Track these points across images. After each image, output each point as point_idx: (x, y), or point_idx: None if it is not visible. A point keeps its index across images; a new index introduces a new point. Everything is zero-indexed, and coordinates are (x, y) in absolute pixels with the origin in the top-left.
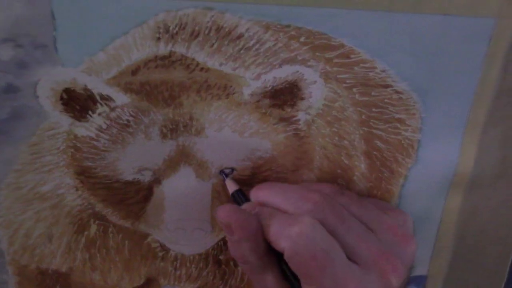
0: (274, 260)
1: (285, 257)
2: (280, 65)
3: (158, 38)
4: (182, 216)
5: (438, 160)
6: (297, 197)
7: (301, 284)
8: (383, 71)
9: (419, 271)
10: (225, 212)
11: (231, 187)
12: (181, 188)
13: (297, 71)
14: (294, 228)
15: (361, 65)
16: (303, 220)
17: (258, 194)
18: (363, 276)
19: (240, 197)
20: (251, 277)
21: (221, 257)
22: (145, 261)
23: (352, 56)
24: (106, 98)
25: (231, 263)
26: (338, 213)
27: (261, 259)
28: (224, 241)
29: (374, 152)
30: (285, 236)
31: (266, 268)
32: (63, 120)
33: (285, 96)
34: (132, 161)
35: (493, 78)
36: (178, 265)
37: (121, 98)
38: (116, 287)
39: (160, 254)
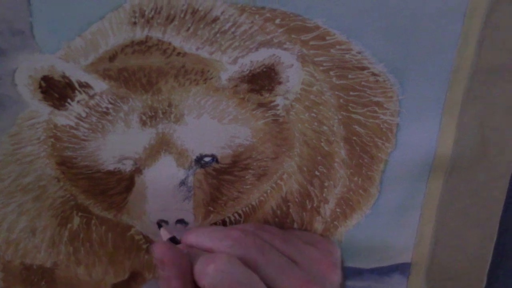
0: None
1: None
2: (257, 49)
3: (134, 23)
4: (164, 207)
5: (417, 143)
6: (219, 235)
7: None
8: (359, 52)
9: (403, 258)
10: (160, 248)
11: (165, 235)
12: (162, 177)
13: (274, 55)
14: (211, 266)
15: (337, 47)
16: (219, 257)
17: (188, 237)
18: None
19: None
20: None
21: None
22: (129, 254)
23: (327, 37)
24: (85, 85)
25: None
26: (258, 247)
27: None
28: None
29: (354, 138)
30: (204, 274)
31: None
32: (43, 109)
33: (262, 80)
34: (112, 150)
35: (468, 56)
36: None
37: (99, 85)
38: (101, 281)
39: (144, 246)
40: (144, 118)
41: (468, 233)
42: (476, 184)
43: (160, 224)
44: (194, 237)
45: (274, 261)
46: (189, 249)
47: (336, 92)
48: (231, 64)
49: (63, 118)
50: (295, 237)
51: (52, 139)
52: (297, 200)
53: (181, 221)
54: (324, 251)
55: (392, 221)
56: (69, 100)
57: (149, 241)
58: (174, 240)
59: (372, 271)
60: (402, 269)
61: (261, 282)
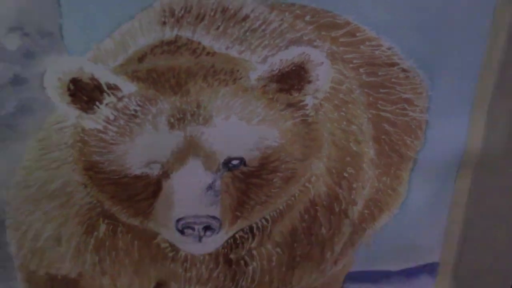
0: None
1: None
2: (287, 47)
3: (164, 22)
4: (191, 213)
5: (446, 140)
6: None
7: None
8: (389, 48)
9: (430, 258)
10: None
11: None
12: (189, 182)
13: (304, 52)
14: None
15: (367, 43)
16: None
17: None
18: None
19: None
20: None
21: (231, 256)
22: (155, 262)
23: (357, 34)
24: (113, 88)
25: (242, 262)
26: None
27: None
28: (234, 239)
29: (383, 137)
30: None
31: None
32: (70, 112)
33: (292, 79)
34: (140, 154)
35: (498, 51)
36: (188, 266)
37: (128, 86)
38: None
39: (170, 254)
40: (172, 120)
41: (496, 230)
42: (505, 181)
43: (183, 231)
44: None
45: None
46: None
47: (366, 90)
48: (260, 63)
49: (91, 122)
50: None
51: (79, 144)
52: (325, 203)
53: (207, 228)
54: None
55: (420, 220)
56: (97, 103)
57: (175, 249)
58: None
59: (400, 273)
60: (430, 269)
61: None
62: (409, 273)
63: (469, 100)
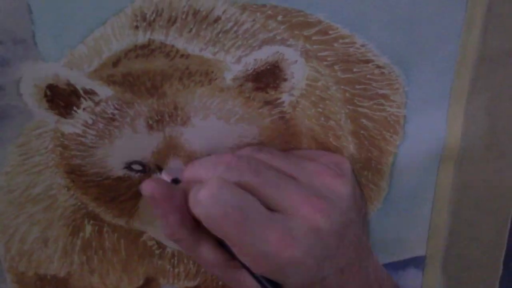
0: (207, 234)
1: (202, 223)
2: (260, 47)
3: (136, 27)
4: None
5: (425, 134)
6: (212, 162)
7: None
8: (363, 45)
9: (417, 251)
10: (150, 185)
11: (168, 178)
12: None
13: (277, 52)
14: (202, 192)
15: (340, 40)
16: (209, 183)
17: (185, 173)
18: (287, 223)
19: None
20: (188, 254)
21: None
22: (142, 260)
23: (330, 32)
24: (90, 92)
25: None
26: (253, 168)
27: (191, 234)
28: None
29: (362, 132)
30: (196, 202)
31: (200, 242)
32: (49, 118)
33: (267, 78)
34: (120, 156)
35: (473, 44)
36: (175, 262)
37: (104, 91)
38: None
39: (157, 252)
40: (150, 122)
41: (481, 222)
42: (487, 173)
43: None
44: (190, 171)
45: (271, 180)
46: (184, 184)
47: (342, 86)
48: (235, 64)
49: (69, 126)
50: (295, 155)
51: (60, 148)
52: None
53: None
54: (328, 163)
55: (404, 214)
56: (75, 108)
57: (162, 246)
58: (176, 182)
59: (387, 266)
60: (417, 262)
61: (257, 203)
62: (396, 267)
63: (447, 95)
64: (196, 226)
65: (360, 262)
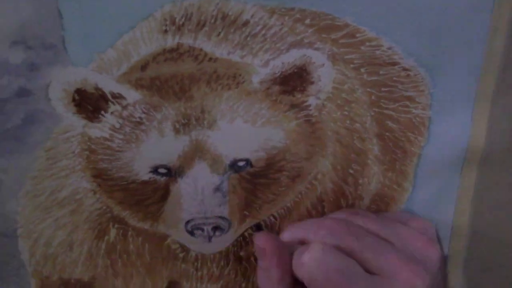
0: None
1: (306, 284)
2: (288, 50)
3: (165, 31)
4: (200, 214)
5: (450, 136)
6: (313, 227)
7: None
8: (389, 48)
9: None
10: (264, 237)
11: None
12: (197, 185)
13: (305, 55)
14: (306, 255)
15: (367, 43)
16: (312, 246)
17: (285, 235)
18: (387, 286)
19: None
20: None
21: (242, 254)
22: (166, 263)
23: (357, 35)
24: (118, 96)
25: (252, 258)
26: (352, 233)
27: None
28: (243, 237)
29: (387, 133)
30: (300, 265)
31: None
32: (77, 122)
33: (294, 81)
34: (147, 160)
35: (498, 49)
36: (199, 265)
37: (132, 95)
38: None
39: (181, 255)
40: (177, 126)
41: (504, 224)
42: (510, 176)
43: (192, 232)
44: (290, 233)
45: (370, 245)
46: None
47: (368, 89)
48: (262, 67)
49: (97, 130)
50: (387, 218)
51: (87, 152)
52: (331, 199)
53: (216, 228)
54: (419, 229)
55: (427, 215)
56: (102, 112)
57: (185, 249)
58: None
59: None
60: None
61: (358, 266)
62: None
63: (471, 97)
64: (293, 283)
65: None
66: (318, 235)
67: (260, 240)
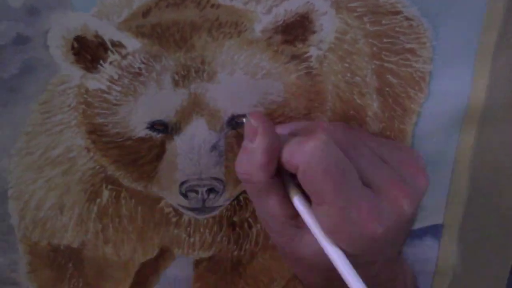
0: (279, 184)
1: (298, 173)
2: None
3: None
4: (195, 175)
5: (450, 92)
6: (312, 125)
7: (313, 205)
8: None
9: (434, 219)
10: (257, 116)
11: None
12: (193, 143)
13: (308, 2)
14: (309, 143)
15: None
16: (318, 136)
17: (279, 129)
18: (376, 200)
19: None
20: (253, 199)
21: (235, 219)
22: (158, 228)
23: None
24: (118, 45)
25: (245, 224)
26: (350, 140)
27: (267, 180)
28: (237, 201)
29: (386, 89)
30: (299, 152)
31: (270, 192)
32: (74, 72)
33: (296, 30)
34: (144, 114)
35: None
36: (191, 231)
37: (132, 43)
38: (129, 261)
39: (174, 219)
40: (176, 78)
41: (501, 189)
42: (509, 135)
43: (186, 195)
44: (285, 126)
45: (366, 156)
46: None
47: (370, 40)
48: (265, 14)
49: (95, 82)
50: (383, 140)
51: (83, 106)
52: None
53: (211, 190)
54: (411, 156)
55: None
56: (101, 62)
57: (178, 213)
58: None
59: None
60: (434, 231)
61: (355, 172)
62: (413, 235)
63: (473, 51)
64: (274, 174)
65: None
66: (316, 132)
67: (254, 117)
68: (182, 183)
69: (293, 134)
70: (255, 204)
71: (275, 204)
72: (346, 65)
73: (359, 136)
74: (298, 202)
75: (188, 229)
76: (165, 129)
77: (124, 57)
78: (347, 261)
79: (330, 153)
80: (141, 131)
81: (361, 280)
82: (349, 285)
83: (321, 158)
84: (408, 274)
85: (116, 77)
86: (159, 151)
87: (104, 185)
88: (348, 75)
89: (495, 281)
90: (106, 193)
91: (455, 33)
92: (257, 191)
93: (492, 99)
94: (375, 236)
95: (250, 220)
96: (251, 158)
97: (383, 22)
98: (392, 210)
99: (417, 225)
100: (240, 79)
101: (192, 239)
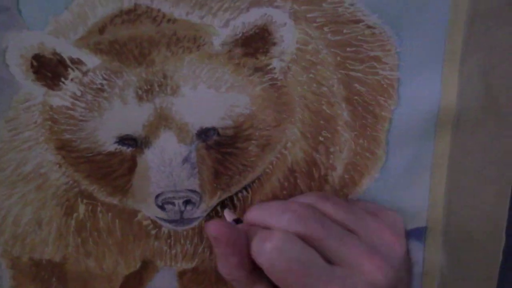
0: (262, 275)
1: (265, 271)
2: (248, 9)
3: None
4: (169, 188)
5: (420, 98)
6: (279, 210)
7: None
8: (352, 4)
9: (417, 222)
10: (215, 226)
11: (229, 217)
12: (164, 156)
13: (265, 14)
14: (267, 244)
15: (329, 0)
16: (275, 234)
17: (248, 215)
18: (346, 278)
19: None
20: None
21: None
22: (138, 241)
23: None
24: (77, 62)
25: None
26: (317, 220)
27: (247, 275)
28: (215, 212)
29: (355, 97)
30: (261, 252)
31: (255, 283)
32: (37, 90)
33: (256, 42)
34: (111, 129)
35: (465, 2)
36: (172, 243)
37: (91, 60)
38: (112, 274)
39: (153, 232)
40: (140, 92)
41: (481, 190)
42: (486, 137)
43: (163, 207)
44: (254, 215)
45: (335, 234)
46: (250, 227)
47: (332, 49)
48: (223, 28)
49: (58, 99)
50: (357, 207)
51: (49, 122)
52: (303, 170)
53: (188, 202)
54: (387, 221)
55: (403, 183)
56: (62, 79)
57: (157, 226)
58: (237, 222)
59: None
60: (418, 234)
61: (319, 258)
62: None
63: (440, 55)
64: (253, 269)
65: None
66: (283, 219)
67: (212, 229)
68: (158, 196)
69: (262, 221)
70: None
71: None
72: (311, 75)
73: (332, 207)
74: None
75: (169, 241)
76: (134, 143)
77: (85, 73)
78: None
79: (290, 250)
80: (110, 146)
81: None
82: None
83: (280, 258)
84: None
85: (79, 93)
86: (131, 165)
87: (79, 199)
88: (314, 85)
89: (485, 280)
90: (82, 207)
91: (420, 40)
92: (244, 285)
93: (463, 103)
94: None
95: None
96: (225, 261)
97: (344, 31)
98: (367, 283)
99: None
100: (204, 93)
101: (173, 251)
